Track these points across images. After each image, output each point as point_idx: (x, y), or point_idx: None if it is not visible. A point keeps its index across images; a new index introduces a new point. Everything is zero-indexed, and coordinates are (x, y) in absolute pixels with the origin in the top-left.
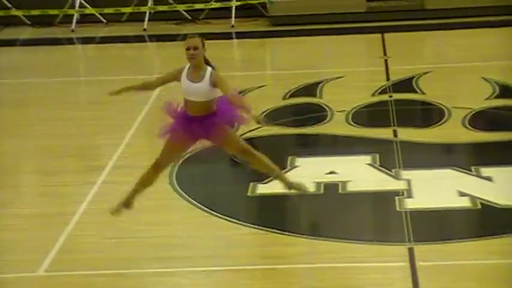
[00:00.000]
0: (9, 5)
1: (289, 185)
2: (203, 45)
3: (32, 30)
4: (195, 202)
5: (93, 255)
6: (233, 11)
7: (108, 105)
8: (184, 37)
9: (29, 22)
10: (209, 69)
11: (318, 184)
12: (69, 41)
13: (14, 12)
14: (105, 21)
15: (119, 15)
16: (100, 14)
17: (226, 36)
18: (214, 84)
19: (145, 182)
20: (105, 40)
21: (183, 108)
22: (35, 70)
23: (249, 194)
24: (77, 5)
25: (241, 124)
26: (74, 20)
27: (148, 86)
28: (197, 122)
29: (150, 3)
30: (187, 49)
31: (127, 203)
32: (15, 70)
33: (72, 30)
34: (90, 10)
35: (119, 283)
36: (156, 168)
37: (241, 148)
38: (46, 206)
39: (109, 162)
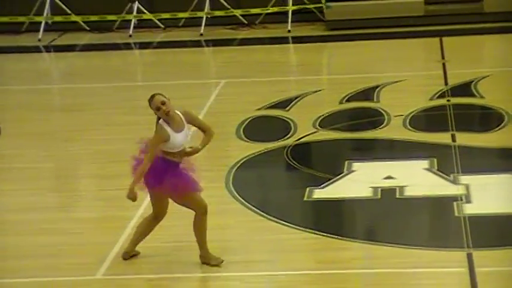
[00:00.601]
0: (69, 11)
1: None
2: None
3: (91, 35)
4: (250, 206)
5: (150, 260)
6: (289, 15)
7: None
8: (241, 41)
9: (87, 28)
10: (177, 112)
11: (375, 189)
12: (127, 46)
13: (74, 18)
14: (162, 26)
15: (176, 21)
16: (157, 19)
17: (283, 40)
18: (190, 122)
19: (146, 231)
20: (162, 45)
21: (173, 160)
22: (92, 75)
23: (305, 198)
24: (135, 10)
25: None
26: (132, 26)
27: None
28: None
29: (206, 9)
30: (158, 109)
31: (128, 254)
32: (73, 75)
33: (130, 36)
34: (147, 15)
35: (175, 287)
36: (157, 218)
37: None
38: (103, 210)
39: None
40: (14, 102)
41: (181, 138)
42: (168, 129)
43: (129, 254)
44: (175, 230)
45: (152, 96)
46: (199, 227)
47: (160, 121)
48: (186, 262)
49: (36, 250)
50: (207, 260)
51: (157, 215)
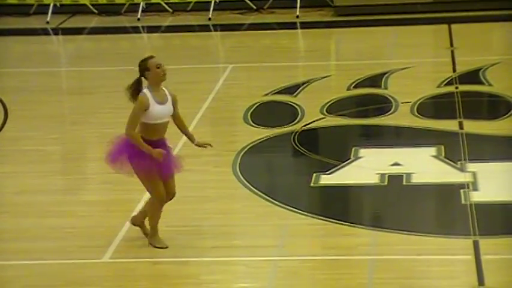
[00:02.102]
0: None
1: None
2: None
3: (99, 19)
4: (257, 191)
5: None
6: (298, 0)
7: None
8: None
9: (95, 11)
10: (163, 87)
11: (382, 175)
12: (135, 30)
13: (82, 1)
14: (171, 10)
15: (185, 5)
16: (166, 3)
17: (291, 26)
18: (174, 102)
19: (148, 211)
20: (170, 29)
21: (143, 135)
22: (100, 58)
23: (312, 184)
24: None
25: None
26: (140, 9)
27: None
28: (162, 144)
29: None
30: (158, 67)
31: (134, 223)
32: (81, 58)
33: (138, 19)
34: None
35: (181, 270)
36: (161, 202)
37: (173, 186)
38: (110, 194)
39: (174, 150)
40: (22, 84)
41: (161, 110)
42: (150, 97)
43: (135, 224)
44: (180, 214)
45: (148, 58)
46: (152, 213)
47: (145, 90)
48: (192, 246)
49: (43, 232)
50: (153, 242)
51: (154, 197)
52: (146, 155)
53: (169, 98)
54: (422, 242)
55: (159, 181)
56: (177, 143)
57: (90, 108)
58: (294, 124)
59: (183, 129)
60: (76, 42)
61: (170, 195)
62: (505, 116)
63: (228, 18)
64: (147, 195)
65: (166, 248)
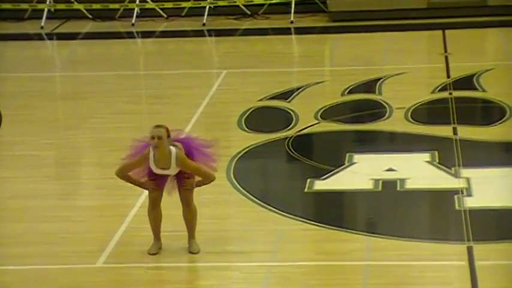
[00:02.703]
0: None
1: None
2: (168, 135)
3: (93, 24)
4: (251, 197)
5: None
6: (292, 6)
7: (166, 99)
8: (243, 31)
9: (90, 16)
10: (173, 152)
11: (376, 181)
12: (129, 35)
13: (76, 6)
14: (165, 15)
15: (179, 10)
16: (160, 8)
17: (285, 31)
18: (181, 167)
19: (157, 219)
20: (164, 34)
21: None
22: (94, 63)
23: (306, 189)
24: None
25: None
26: (135, 14)
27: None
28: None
29: None
30: (152, 138)
31: (158, 246)
32: (75, 63)
33: (133, 25)
34: (150, 5)
35: (175, 276)
36: (154, 205)
37: (189, 195)
38: (105, 199)
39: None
40: (15, 89)
41: (156, 171)
42: (151, 158)
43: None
44: (175, 219)
45: (156, 126)
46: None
47: (152, 153)
48: (186, 251)
49: (37, 238)
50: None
51: (154, 198)
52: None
53: (173, 164)
54: (416, 247)
55: (151, 188)
56: None
57: (85, 113)
58: (288, 130)
59: None
60: (70, 47)
61: (181, 200)
62: (498, 122)
63: (223, 24)
64: (141, 201)
65: (153, 254)
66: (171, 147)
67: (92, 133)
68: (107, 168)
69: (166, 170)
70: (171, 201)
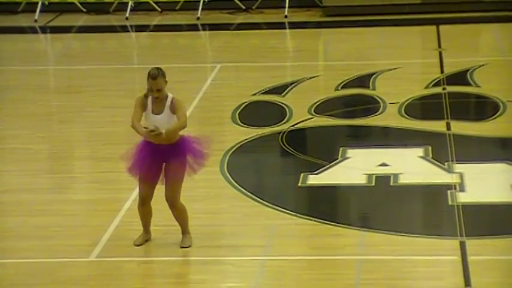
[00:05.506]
0: None
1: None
2: (165, 81)
3: (87, 17)
4: (245, 191)
5: None
6: (287, 0)
7: None
8: (238, 26)
9: (84, 9)
10: (170, 97)
11: (370, 176)
12: (123, 29)
13: None
14: (159, 9)
15: (173, 4)
16: (154, 2)
17: (280, 26)
18: (173, 111)
19: (146, 215)
20: (158, 28)
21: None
22: (88, 57)
23: (299, 184)
24: None
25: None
26: (129, 8)
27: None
28: (162, 148)
29: None
30: (151, 90)
31: (145, 238)
32: (69, 57)
33: (127, 18)
34: None
35: (168, 270)
36: (143, 202)
37: (174, 195)
38: (98, 193)
39: None
40: (9, 83)
41: (150, 120)
42: (149, 105)
43: (147, 237)
44: (168, 213)
45: (155, 76)
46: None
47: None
48: (178, 245)
49: (29, 231)
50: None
51: (142, 197)
52: (136, 156)
53: (167, 109)
54: (409, 242)
55: (143, 183)
56: None
57: (78, 107)
58: (282, 124)
59: None
60: (64, 40)
61: (167, 200)
62: (492, 117)
63: (217, 18)
64: (134, 195)
65: (137, 246)
66: (168, 93)
67: (86, 127)
68: (101, 162)
69: (158, 116)
70: (162, 196)
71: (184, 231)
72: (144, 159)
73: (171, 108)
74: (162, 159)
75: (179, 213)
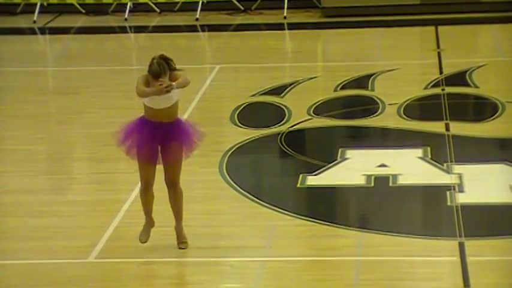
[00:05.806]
0: None
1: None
2: (169, 68)
3: (86, 18)
4: (244, 192)
5: (141, 243)
6: (285, 1)
7: None
8: (237, 26)
9: (83, 10)
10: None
11: (369, 177)
12: (122, 30)
13: (69, 0)
14: (158, 10)
15: (172, 5)
16: (153, 3)
17: (279, 27)
18: (174, 79)
19: (150, 201)
20: (157, 29)
21: (145, 117)
22: (87, 58)
23: (298, 185)
24: None
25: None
26: (127, 9)
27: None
28: (161, 127)
29: None
30: (160, 85)
31: (149, 227)
32: (68, 58)
33: (125, 19)
34: None
35: (167, 271)
36: (146, 186)
37: (177, 175)
38: (97, 194)
39: None
40: (8, 83)
41: (158, 99)
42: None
43: (151, 225)
44: (166, 214)
45: (157, 75)
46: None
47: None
48: (174, 247)
49: (28, 232)
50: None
51: (145, 181)
52: (134, 137)
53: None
54: (408, 243)
55: (145, 165)
56: None
57: (77, 108)
58: (281, 125)
59: None
60: (63, 41)
61: (167, 183)
62: (491, 118)
63: (216, 19)
64: (133, 196)
65: (142, 243)
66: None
67: (85, 128)
68: (99, 163)
69: (162, 96)
70: (161, 196)
71: (179, 218)
72: (143, 138)
73: (172, 80)
74: (160, 139)
75: (178, 195)
